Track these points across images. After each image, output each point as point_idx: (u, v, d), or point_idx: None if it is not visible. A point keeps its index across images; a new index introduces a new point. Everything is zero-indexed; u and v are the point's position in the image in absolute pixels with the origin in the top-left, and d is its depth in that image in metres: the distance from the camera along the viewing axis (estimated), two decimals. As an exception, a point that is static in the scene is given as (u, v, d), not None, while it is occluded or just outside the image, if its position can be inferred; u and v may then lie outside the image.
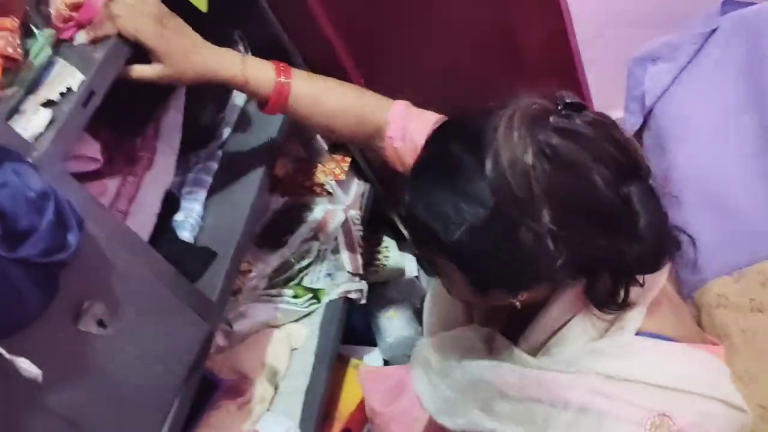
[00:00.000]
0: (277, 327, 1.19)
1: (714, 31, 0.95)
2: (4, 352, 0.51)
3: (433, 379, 0.82)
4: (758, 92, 0.86)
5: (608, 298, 0.64)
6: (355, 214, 1.35)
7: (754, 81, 0.87)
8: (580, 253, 0.60)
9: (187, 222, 0.94)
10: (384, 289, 1.46)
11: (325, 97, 0.85)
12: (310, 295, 1.22)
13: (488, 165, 0.59)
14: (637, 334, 0.66)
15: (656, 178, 0.96)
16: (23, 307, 0.55)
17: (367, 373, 1.19)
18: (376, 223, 1.50)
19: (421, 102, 0.87)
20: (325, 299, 1.23)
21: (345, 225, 1.33)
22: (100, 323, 0.66)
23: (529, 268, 0.62)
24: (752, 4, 0.96)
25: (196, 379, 0.81)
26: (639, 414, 0.62)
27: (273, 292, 1.21)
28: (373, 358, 1.43)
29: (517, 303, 0.67)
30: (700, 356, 0.68)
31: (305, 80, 0.84)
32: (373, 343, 1.46)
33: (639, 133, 1.01)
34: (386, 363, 1.46)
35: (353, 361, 1.34)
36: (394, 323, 1.43)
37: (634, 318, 0.67)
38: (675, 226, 0.67)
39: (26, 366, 0.53)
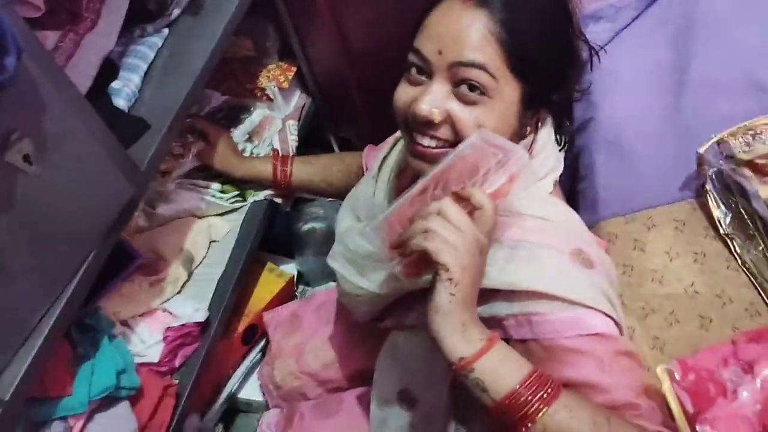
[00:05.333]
0: (199, 217, 1.21)
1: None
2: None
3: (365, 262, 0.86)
4: (682, 54, 0.93)
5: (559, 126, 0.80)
6: (292, 124, 1.36)
7: (682, 43, 0.94)
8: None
9: (124, 91, 0.93)
10: (310, 204, 1.49)
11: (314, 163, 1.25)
12: (237, 192, 1.24)
13: None
14: None
15: (578, 126, 1.05)
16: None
17: (269, 317, 1.30)
18: (312, 140, 1.52)
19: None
20: (250, 199, 1.25)
21: (281, 133, 1.34)
22: (26, 159, 0.66)
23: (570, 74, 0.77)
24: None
25: (113, 239, 0.83)
26: (563, 246, 0.73)
27: (201, 183, 1.22)
28: (289, 268, 1.47)
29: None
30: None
31: (298, 164, 1.23)
32: (293, 256, 1.50)
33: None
34: (300, 275, 1.50)
35: (269, 265, 1.38)
36: (313, 238, 1.47)
37: (547, 185, 0.79)
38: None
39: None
